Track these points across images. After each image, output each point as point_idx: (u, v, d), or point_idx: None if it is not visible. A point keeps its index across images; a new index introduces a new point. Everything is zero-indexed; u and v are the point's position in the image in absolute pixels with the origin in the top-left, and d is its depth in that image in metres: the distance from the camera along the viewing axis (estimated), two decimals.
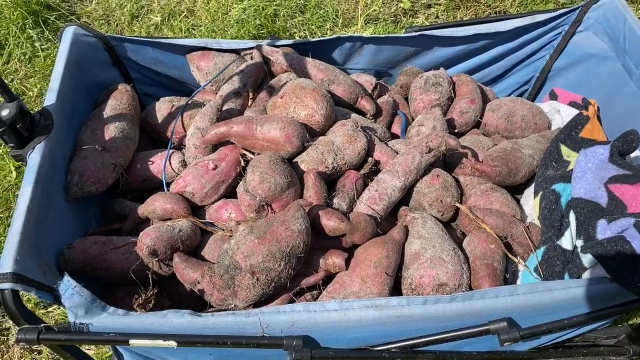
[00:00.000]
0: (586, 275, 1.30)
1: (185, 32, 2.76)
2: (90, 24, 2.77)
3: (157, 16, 2.80)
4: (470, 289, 1.37)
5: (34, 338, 1.06)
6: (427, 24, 2.88)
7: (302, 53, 1.82)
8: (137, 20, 2.81)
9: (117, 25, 2.79)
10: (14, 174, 2.22)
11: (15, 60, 2.60)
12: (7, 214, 2.13)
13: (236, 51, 1.84)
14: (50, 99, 1.43)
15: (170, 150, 1.62)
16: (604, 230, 1.24)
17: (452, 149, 1.53)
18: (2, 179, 2.22)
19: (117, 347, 1.28)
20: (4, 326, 1.88)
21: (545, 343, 1.43)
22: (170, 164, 1.60)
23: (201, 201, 1.51)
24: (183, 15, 2.82)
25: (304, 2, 2.89)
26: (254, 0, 2.82)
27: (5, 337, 1.87)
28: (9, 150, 1.33)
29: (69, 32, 1.59)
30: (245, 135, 1.48)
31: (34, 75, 2.56)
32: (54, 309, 1.92)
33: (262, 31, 2.73)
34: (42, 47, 2.64)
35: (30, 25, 2.65)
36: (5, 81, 2.46)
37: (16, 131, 1.28)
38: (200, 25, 2.79)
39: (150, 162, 1.61)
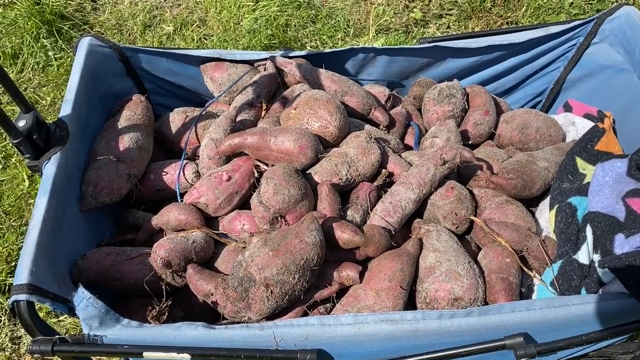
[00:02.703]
0: (604, 290, 1.28)
1: (197, 42, 2.77)
2: (103, 34, 2.79)
3: (169, 26, 2.82)
4: (486, 303, 1.36)
5: (48, 349, 1.06)
6: (439, 34, 2.88)
7: (315, 64, 1.82)
8: (149, 30, 2.83)
9: (129, 35, 2.81)
10: (27, 182, 2.23)
11: (29, 69, 2.62)
12: (19, 222, 2.14)
13: (249, 62, 1.85)
14: (65, 109, 1.44)
15: (184, 161, 1.63)
16: (622, 244, 1.22)
17: (467, 161, 1.52)
18: (15, 187, 2.23)
19: (130, 359, 1.28)
20: (15, 334, 1.89)
21: (561, 358, 1.41)
22: (184, 174, 1.60)
23: (215, 212, 1.51)
24: (195, 25, 2.84)
25: (316, 12, 2.90)
26: (266, 10, 2.83)
27: (17, 346, 1.87)
28: (23, 160, 1.34)
29: (84, 43, 1.60)
30: (259, 146, 1.48)
31: (47, 84, 2.59)
32: (65, 317, 1.92)
33: (274, 41, 2.74)
34: (56, 56, 2.66)
35: (44, 34, 2.68)
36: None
37: (32, 142, 1.29)
38: (212, 35, 2.80)
39: (164, 173, 1.62)
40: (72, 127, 1.41)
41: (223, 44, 2.75)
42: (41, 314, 1.92)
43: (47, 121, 1.39)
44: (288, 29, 2.82)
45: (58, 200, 1.28)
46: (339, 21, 2.87)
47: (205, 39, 2.82)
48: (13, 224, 2.14)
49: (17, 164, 2.29)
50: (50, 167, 1.30)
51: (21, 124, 1.26)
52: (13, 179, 2.25)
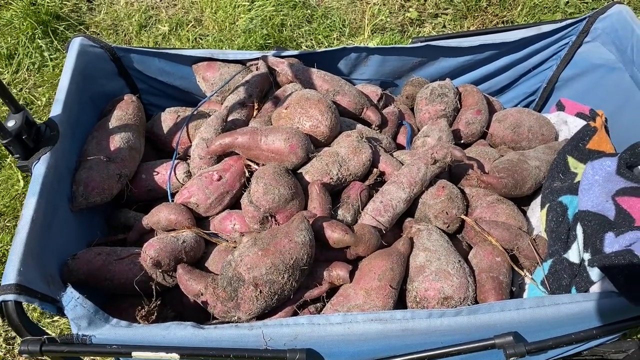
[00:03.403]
0: (594, 289, 1.28)
1: (192, 42, 2.77)
2: (98, 34, 2.80)
3: (164, 26, 2.82)
4: (476, 302, 1.35)
5: (36, 350, 1.06)
6: (434, 33, 2.88)
7: (308, 63, 1.82)
8: (145, 30, 2.83)
9: (125, 35, 2.81)
10: (22, 182, 2.24)
11: (25, 69, 2.62)
12: (14, 223, 2.14)
13: (242, 62, 1.85)
14: (56, 109, 1.44)
15: (176, 161, 1.62)
16: (612, 243, 1.22)
17: (458, 160, 1.52)
18: (10, 187, 2.23)
19: (120, 358, 1.28)
20: (10, 335, 1.89)
21: (552, 357, 1.41)
22: (175, 174, 1.60)
23: (205, 212, 1.51)
24: (190, 25, 2.84)
25: (311, 12, 2.90)
26: (261, 10, 2.83)
27: (11, 346, 1.87)
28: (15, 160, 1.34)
29: (75, 43, 1.60)
30: (249, 146, 1.48)
31: (42, 84, 2.59)
32: (60, 317, 1.92)
33: (269, 41, 2.74)
34: (51, 56, 2.66)
35: (40, 35, 2.68)
36: (13, 91, 2.50)
37: (22, 142, 1.29)
38: (207, 35, 2.81)
39: (156, 173, 1.61)
40: (63, 127, 1.41)
41: (218, 44, 2.76)
42: (35, 314, 1.92)
43: (38, 121, 1.39)
44: (284, 29, 2.82)
45: (47, 201, 1.28)
46: (334, 21, 2.87)
47: (200, 39, 2.82)
48: (7, 224, 2.14)
49: (12, 164, 2.29)
50: (39, 167, 1.30)
51: (10, 124, 1.26)
52: (8, 179, 2.25)
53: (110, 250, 1.40)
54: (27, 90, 2.56)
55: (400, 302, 1.37)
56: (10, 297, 1.06)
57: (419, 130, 1.86)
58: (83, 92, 1.59)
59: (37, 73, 2.63)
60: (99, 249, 1.40)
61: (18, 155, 1.31)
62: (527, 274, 1.46)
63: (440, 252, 1.37)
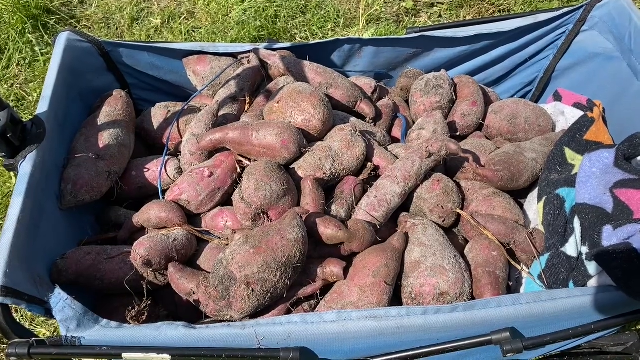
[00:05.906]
0: (592, 283, 1.26)
1: (185, 35, 2.74)
2: (90, 28, 2.76)
3: (157, 19, 2.79)
4: (472, 297, 1.34)
5: (24, 352, 1.04)
6: (430, 23, 2.85)
7: (300, 56, 1.79)
8: (137, 24, 2.79)
9: (117, 29, 2.78)
10: (14, 180, 2.21)
11: (15, 65, 2.59)
12: None
13: (233, 55, 1.82)
14: (42, 106, 1.41)
15: (166, 157, 1.60)
16: (610, 236, 1.21)
17: (453, 153, 1.49)
18: (2, 185, 2.21)
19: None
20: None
21: (550, 351, 1.40)
22: (166, 171, 1.58)
23: (197, 209, 1.49)
24: (183, 17, 2.80)
25: (305, 2, 2.86)
26: (255, 1, 2.80)
27: (5, 345, 1.86)
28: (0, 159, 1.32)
29: (62, 38, 1.57)
30: (241, 141, 1.46)
31: (34, 80, 2.55)
32: (50, 318, 1.90)
33: (263, 33, 2.71)
34: (42, 51, 2.63)
35: (30, 29, 2.64)
36: (4, 87, 2.47)
37: (7, 140, 1.26)
38: (200, 28, 2.77)
39: (146, 169, 1.59)
40: (50, 124, 1.38)
41: (212, 37, 2.72)
42: (29, 313, 1.90)
43: (24, 119, 1.36)
44: (277, 20, 2.78)
45: (35, 200, 1.25)
46: (328, 12, 2.84)
47: (193, 31, 2.78)
48: (0, 222, 2.12)
49: None
50: (26, 166, 1.27)
51: None
52: (0, 176, 2.23)
53: (100, 249, 1.38)
54: (19, 86, 2.53)
55: (395, 299, 1.35)
56: None
57: (414, 123, 1.84)
58: (71, 88, 1.56)
59: (28, 68, 2.59)
60: (89, 248, 1.38)
61: (3, 154, 1.28)
62: (524, 268, 1.44)
63: (436, 247, 1.35)
